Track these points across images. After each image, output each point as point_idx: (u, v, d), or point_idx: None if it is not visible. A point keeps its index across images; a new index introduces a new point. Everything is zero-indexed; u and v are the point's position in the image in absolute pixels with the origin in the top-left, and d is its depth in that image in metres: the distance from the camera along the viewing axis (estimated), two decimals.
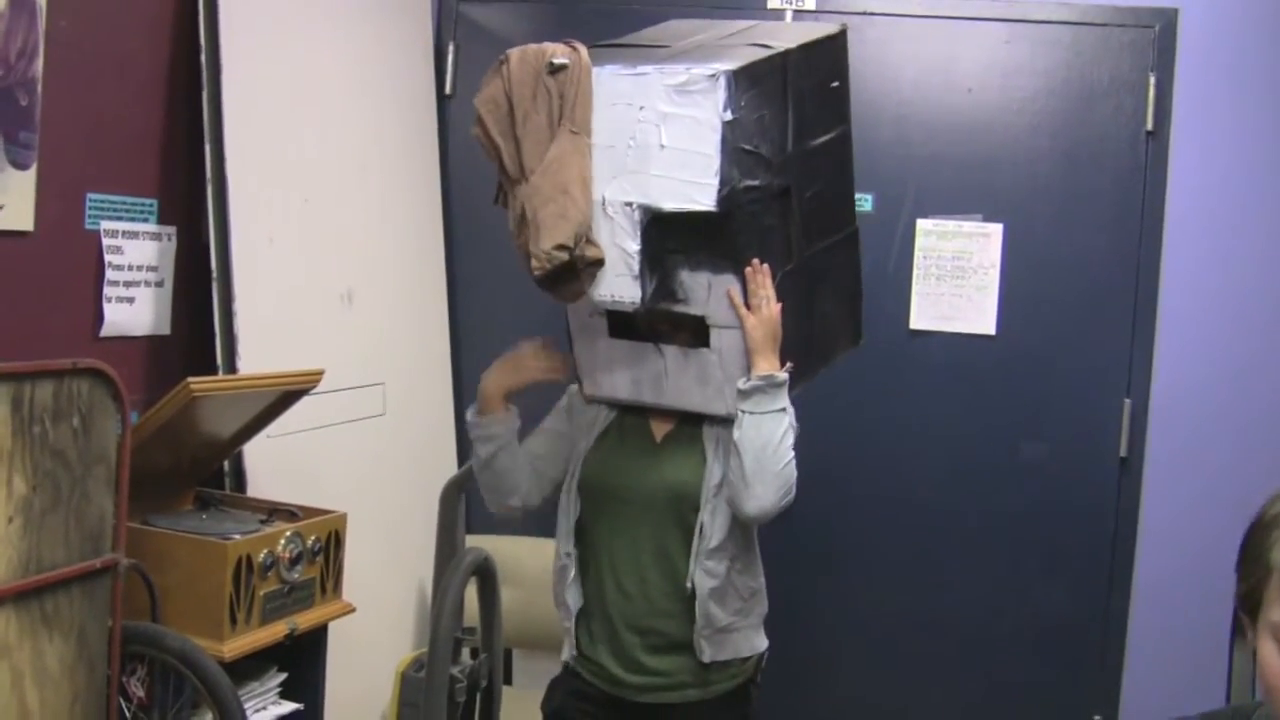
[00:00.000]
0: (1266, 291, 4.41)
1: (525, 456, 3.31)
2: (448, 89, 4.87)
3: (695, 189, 2.84)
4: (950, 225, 4.57)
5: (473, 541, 3.42)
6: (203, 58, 3.56)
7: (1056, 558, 4.60)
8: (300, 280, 3.89)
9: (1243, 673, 3.05)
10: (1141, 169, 4.49)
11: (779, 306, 2.98)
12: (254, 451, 3.62)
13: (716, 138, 2.83)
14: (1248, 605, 1.72)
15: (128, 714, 3.02)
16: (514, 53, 3.07)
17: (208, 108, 3.54)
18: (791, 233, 3.09)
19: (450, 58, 4.87)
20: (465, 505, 3.57)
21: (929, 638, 4.69)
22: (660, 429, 3.21)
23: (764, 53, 2.99)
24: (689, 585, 3.08)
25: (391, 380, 4.33)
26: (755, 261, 2.94)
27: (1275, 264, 4.41)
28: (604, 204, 2.93)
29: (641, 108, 2.91)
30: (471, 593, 3.23)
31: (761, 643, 3.26)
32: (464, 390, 4.86)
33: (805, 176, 3.12)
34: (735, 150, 2.85)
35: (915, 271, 4.59)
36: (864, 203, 4.59)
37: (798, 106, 3.06)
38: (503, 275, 4.68)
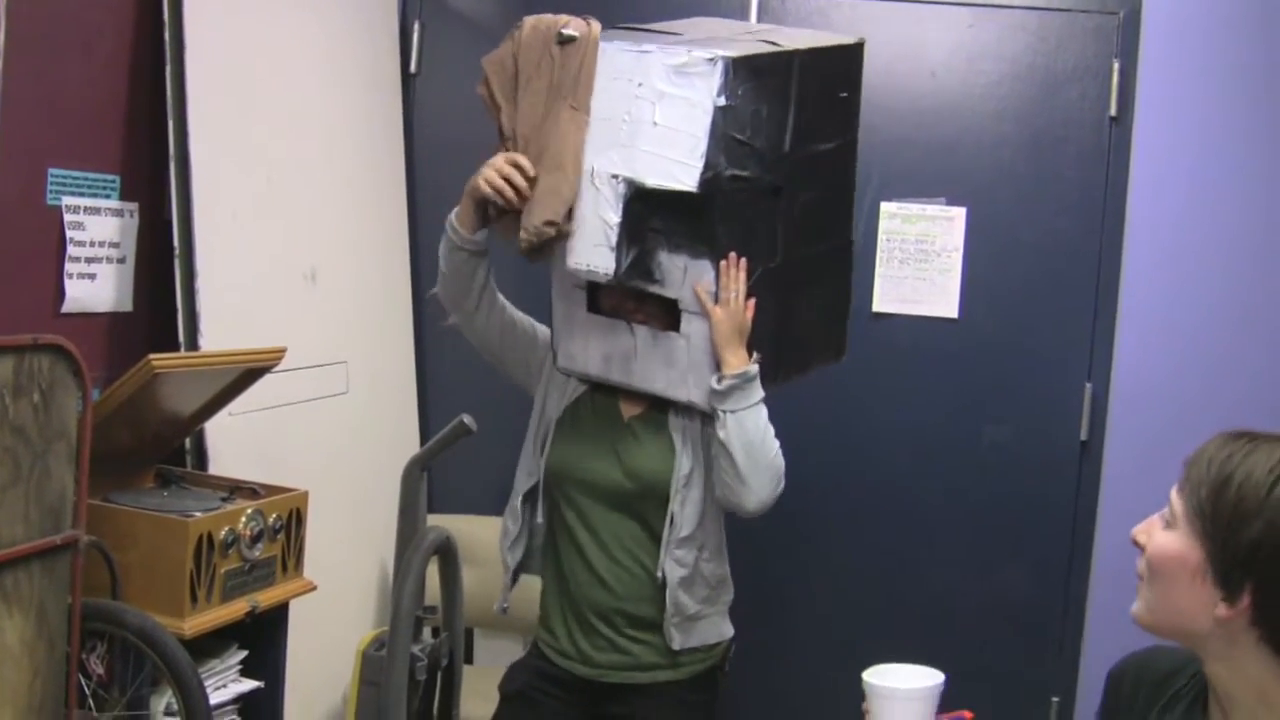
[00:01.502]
0: (1228, 277, 4.44)
1: (491, 295, 3.30)
2: (413, 67, 4.85)
3: (679, 168, 2.86)
4: (914, 208, 4.58)
5: (435, 521, 3.42)
6: (166, 33, 3.54)
7: (1017, 541, 4.62)
8: (263, 258, 3.88)
9: None
10: (1105, 154, 4.51)
11: (751, 302, 2.99)
12: (216, 429, 3.61)
13: (707, 120, 2.85)
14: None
15: (88, 691, 3.02)
16: (529, 19, 3.13)
17: (171, 84, 3.53)
18: (780, 232, 3.11)
19: (415, 36, 4.85)
20: (428, 485, 3.56)
21: (890, 620, 4.71)
22: (629, 409, 3.21)
23: (770, 49, 3.01)
24: (660, 575, 3.09)
25: (354, 359, 4.33)
26: (732, 255, 2.95)
27: (1236, 250, 4.43)
28: (592, 174, 2.96)
29: (640, 84, 2.94)
30: (433, 572, 3.23)
31: (728, 630, 3.28)
32: (427, 369, 4.85)
33: (802, 180, 3.13)
34: (725, 137, 2.87)
35: (879, 254, 4.60)
36: None
37: (801, 109, 3.07)
38: None
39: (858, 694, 4.70)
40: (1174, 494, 1.85)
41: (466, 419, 3.13)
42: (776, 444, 3.05)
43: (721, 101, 2.85)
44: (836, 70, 3.27)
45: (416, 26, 4.86)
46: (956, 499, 4.64)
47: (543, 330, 3.37)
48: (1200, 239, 4.46)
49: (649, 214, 2.93)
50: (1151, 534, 1.90)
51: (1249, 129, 4.43)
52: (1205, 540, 1.78)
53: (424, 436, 4.72)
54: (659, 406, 3.17)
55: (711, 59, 2.85)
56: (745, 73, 2.90)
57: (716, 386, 2.98)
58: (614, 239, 2.92)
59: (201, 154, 3.55)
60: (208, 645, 3.27)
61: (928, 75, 4.61)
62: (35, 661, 2.76)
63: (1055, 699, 4.60)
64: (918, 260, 4.58)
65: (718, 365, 3.01)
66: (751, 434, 2.99)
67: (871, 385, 4.64)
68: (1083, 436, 4.53)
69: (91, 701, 3.02)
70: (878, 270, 4.60)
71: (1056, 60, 4.52)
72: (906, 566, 4.69)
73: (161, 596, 3.06)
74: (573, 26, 3.07)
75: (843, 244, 3.42)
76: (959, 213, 4.58)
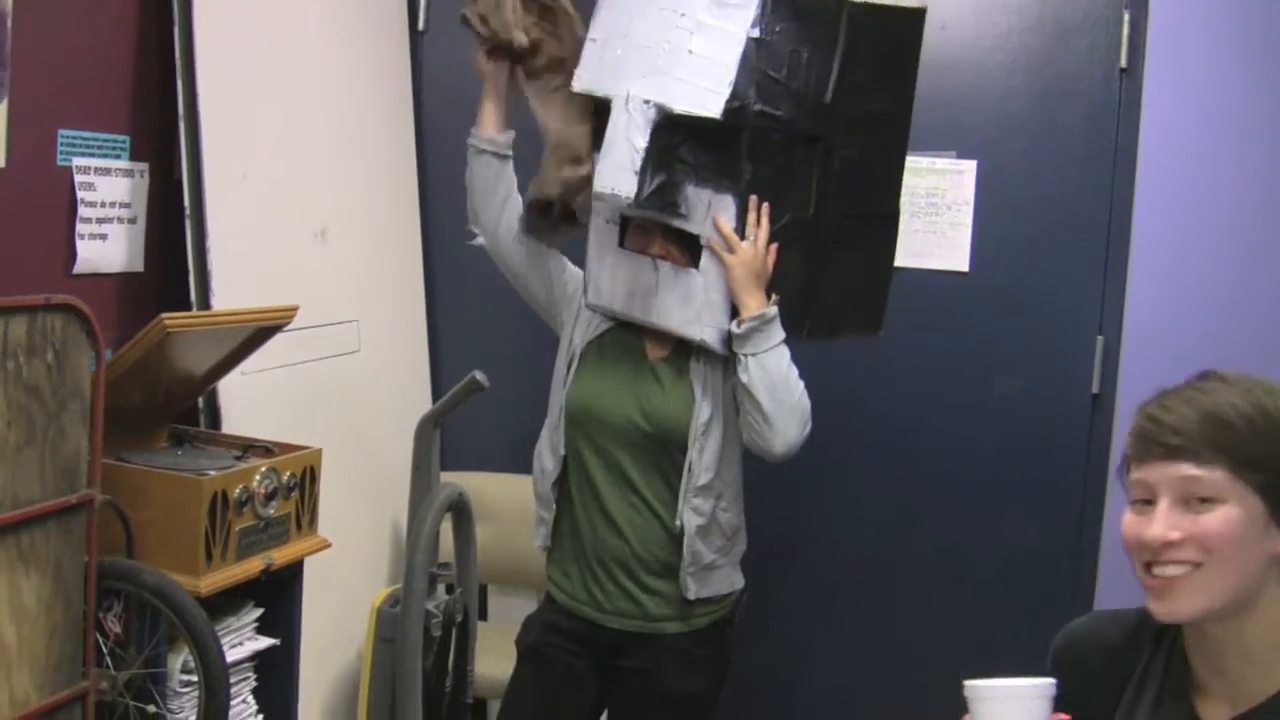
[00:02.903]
0: (1238, 229, 4.42)
1: (514, 208, 3.33)
2: (420, 25, 4.84)
3: (707, 95, 2.88)
4: (924, 162, 4.56)
5: (448, 478, 3.43)
6: None
7: (1029, 494, 4.62)
8: (274, 217, 3.88)
9: None
10: (1115, 106, 4.49)
11: (774, 247, 2.99)
12: (228, 388, 3.63)
13: (739, 51, 2.87)
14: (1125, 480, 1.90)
15: (104, 649, 3.03)
16: None
17: (179, 44, 3.53)
18: (816, 183, 3.10)
19: None
20: (440, 441, 3.57)
21: (901, 573, 4.72)
22: (654, 350, 3.19)
23: None
24: (678, 524, 3.10)
25: (366, 317, 4.33)
26: (754, 198, 2.96)
27: (1248, 201, 4.41)
28: (627, 99, 2.96)
29: (683, 14, 2.96)
30: (447, 529, 3.25)
31: (739, 580, 3.28)
32: (438, 326, 4.86)
33: (845, 135, 3.12)
34: (758, 71, 2.89)
35: None
36: None
37: (848, 61, 3.06)
38: None
39: (864, 643, 4.72)
40: (1189, 472, 1.78)
41: (479, 375, 3.14)
42: (801, 385, 3.05)
43: (755, 34, 2.87)
44: (892, 34, 3.23)
45: None
46: (967, 452, 4.64)
47: (571, 266, 3.37)
48: (1211, 191, 4.44)
49: (678, 142, 2.95)
50: (1195, 523, 1.77)
51: (1259, 80, 4.40)
52: (1263, 488, 1.76)
53: (436, 393, 4.72)
54: (682, 351, 3.16)
55: None
56: (786, 10, 2.91)
57: (736, 330, 2.98)
58: (639, 163, 2.92)
59: (211, 114, 3.55)
60: (223, 603, 3.30)
61: (938, 28, 4.56)
62: (52, 621, 2.78)
63: None
64: (928, 214, 4.57)
65: (735, 308, 3.01)
66: (774, 376, 2.99)
67: (882, 339, 4.63)
68: (1094, 389, 4.52)
69: (109, 660, 3.04)
70: None
71: (1066, 11, 4.50)
72: (917, 520, 4.70)
73: (177, 555, 3.08)
74: None
75: (886, 215, 3.40)
76: (969, 166, 4.56)
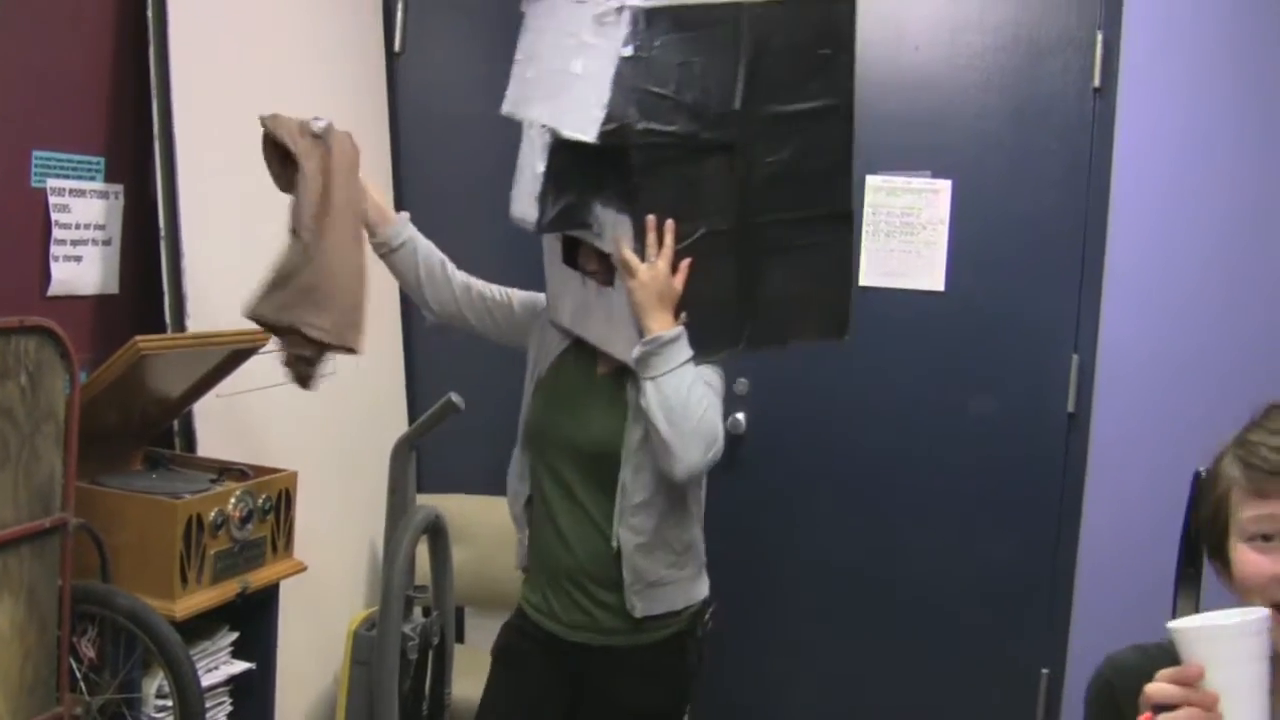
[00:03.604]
0: (1213, 248, 4.44)
1: (452, 277, 3.35)
2: (397, 46, 4.85)
3: (586, 119, 2.81)
4: (899, 181, 4.58)
5: (424, 500, 3.42)
6: (149, 13, 3.53)
7: (1005, 513, 4.63)
8: (250, 239, 3.87)
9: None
10: (1089, 126, 4.51)
11: (685, 264, 2.93)
12: (204, 411, 3.61)
13: (611, 70, 2.79)
14: (1211, 532, 1.82)
15: (79, 674, 3.02)
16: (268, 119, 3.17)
17: (155, 64, 3.52)
18: (734, 194, 3.03)
19: (400, 15, 4.85)
20: (417, 464, 3.57)
21: (876, 592, 4.73)
22: (602, 366, 3.16)
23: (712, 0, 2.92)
24: (614, 543, 3.07)
25: None
26: (651, 218, 2.89)
27: (1222, 220, 4.43)
28: (530, 124, 2.96)
29: (571, 35, 2.91)
30: (423, 551, 3.24)
31: (698, 593, 3.22)
32: (414, 348, 4.86)
33: (764, 139, 3.03)
34: (638, 90, 2.81)
35: (864, 227, 4.60)
36: None
37: (757, 64, 2.97)
38: (453, 233, 4.67)
39: (841, 662, 4.72)
40: None
41: (454, 397, 3.13)
42: (704, 406, 2.94)
43: (628, 52, 2.78)
44: (812, 26, 3.09)
45: (400, 5, 4.85)
46: (943, 471, 4.65)
47: (519, 296, 3.36)
48: (1185, 209, 4.46)
49: (576, 165, 2.90)
50: None
51: (1232, 99, 4.43)
52: None
53: (412, 416, 4.72)
54: (624, 370, 3.09)
55: (620, 7, 2.79)
56: (666, 24, 2.82)
57: (635, 354, 2.92)
58: (538, 189, 2.91)
59: (186, 135, 3.54)
60: (199, 627, 3.28)
61: (911, 49, 4.60)
62: (26, 645, 2.77)
63: (1045, 671, 4.61)
64: (903, 233, 4.59)
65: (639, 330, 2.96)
66: (672, 400, 2.89)
67: (857, 358, 4.64)
68: (1070, 408, 4.54)
69: (83, 684, 3.02)
70: (864, 243, 4.60)
71: (1040, 32, 4.52)
72: (894, 538, 4.70)
73: (152, 578, 3.06)
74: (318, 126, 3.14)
75: (836, 214, 3.23)
76: (944, 185, 4.58)
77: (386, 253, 3.34)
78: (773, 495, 4.72)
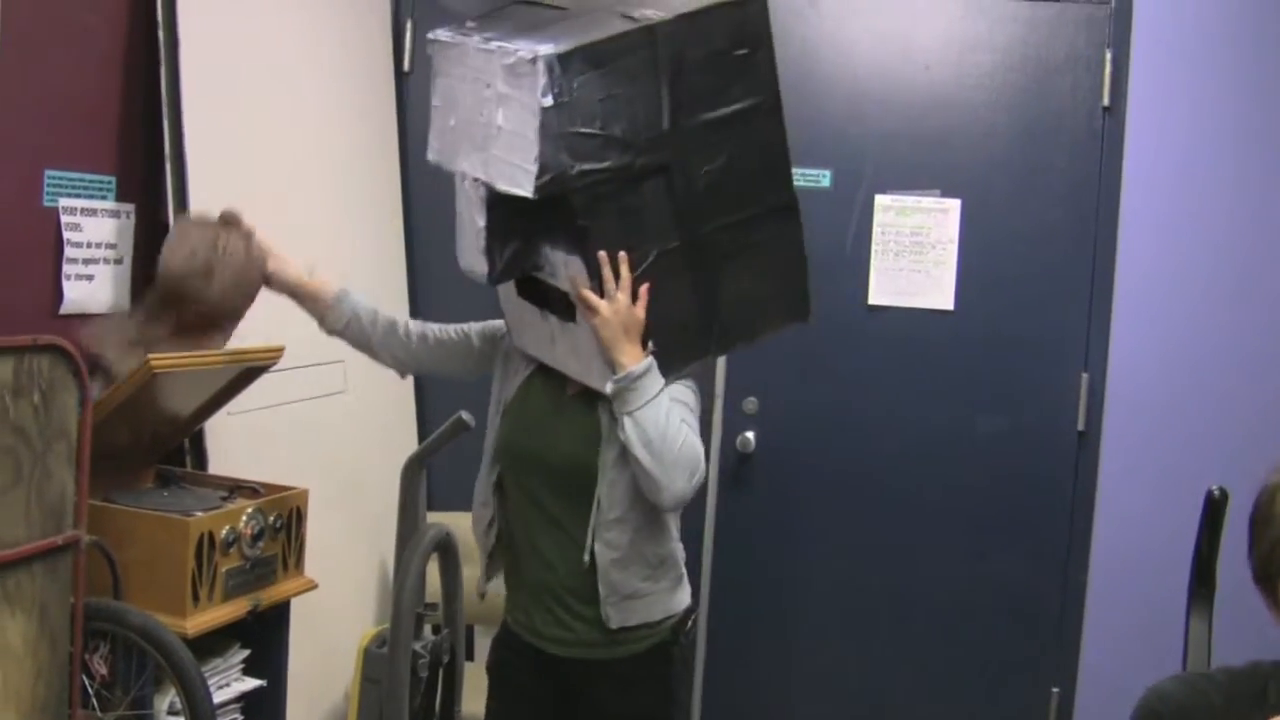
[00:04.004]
0: (1222, 265, 4.45)
1: (400, 329, 3.39)
2: (406, 66, 4.87)
3: (520, 174, 2.76)
4: (908, 201, 4.59)
5: (435, 518, 3.42)
6: (160, 33, 3.55)
7: (1015, 531, 4.63)
8: None
9: (1199, 642, 3.09)
10: (1098, 144, 4.52)
11: (643, 290, 2.91)
12: (215, 429, 3.62)
13: (536, 124, 2.73)
14: (1268, 568, 1.83)
15: (91, 691, 3.02)
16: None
17: (166, 84, 3.54)
18: (675, 211, 2.99)
19: (408, 35, 4.87)
20: (427, 481, 3.57)
21: (888, 610, 4.72)
22: (571, 386, 3.15)
23: (622, 27, 2.86)
24: (586, 558, 3.07)
25: (352, 357, 4.31)
26: (602, 254, 2.86)
27: (1230, 238, 4.44)
28: (462, 177, 2.95)
29: (488, 85, 2.85)
30: (433, 569, 3.24)
31: (678, 603, 3.20)
32: None
33: (697, 151, 2.99)
34: (566, 135, 2.76)
35: (874, 247, 4.61)
36: (822, 179, 4.62)
37: (677, 80, 2.92)
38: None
39: (852, 683, 4.72)
40: None
41: (464, 415, 3.13)
42: (684, 434, 2.94)
43: (548, 102, 2.72)
44: (724, 29, 3.03)
45: (409, 25, 4.87)
46: (954, 490, 4.66)
47: (476, 329, 3.35)
48: (1194, 228, 4.47)
49: (517, 213, 2.87)
50: None
51: (1241, 117, 4.44)
52: None
53: (422, 434, 4.72)
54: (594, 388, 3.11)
55: (532, 58, 2.72)
56: (580, 64, 2.76)
57: (608, 391, 2.92)
58: (483, 243, 2.90)
59: (197, 154, 3.56)
60: (210, 644, 3.28)
61: (921, 68, 4.62)
62: (38, 662, 2.77)
63: (1055, 689, 4.61)
64: (913, 252, 4.59)
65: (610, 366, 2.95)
66: (651, 432, 2.89)
67: (868, 377, 4.66)
68: (1080, 427, 4.54)
69: (95, 702, 3.03)
70: (873, 263, 4.61)
71: (1048, 50, 4.53)
72: (904, 557, 4.70)
73: (163, 596, 3.07)
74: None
75: (780, 207, 3.19)
76: (954, 204, 4.59)
77: (334, 333, 3.42)
78: (783, 513, 4.72)
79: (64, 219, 3.40)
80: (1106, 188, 4.50)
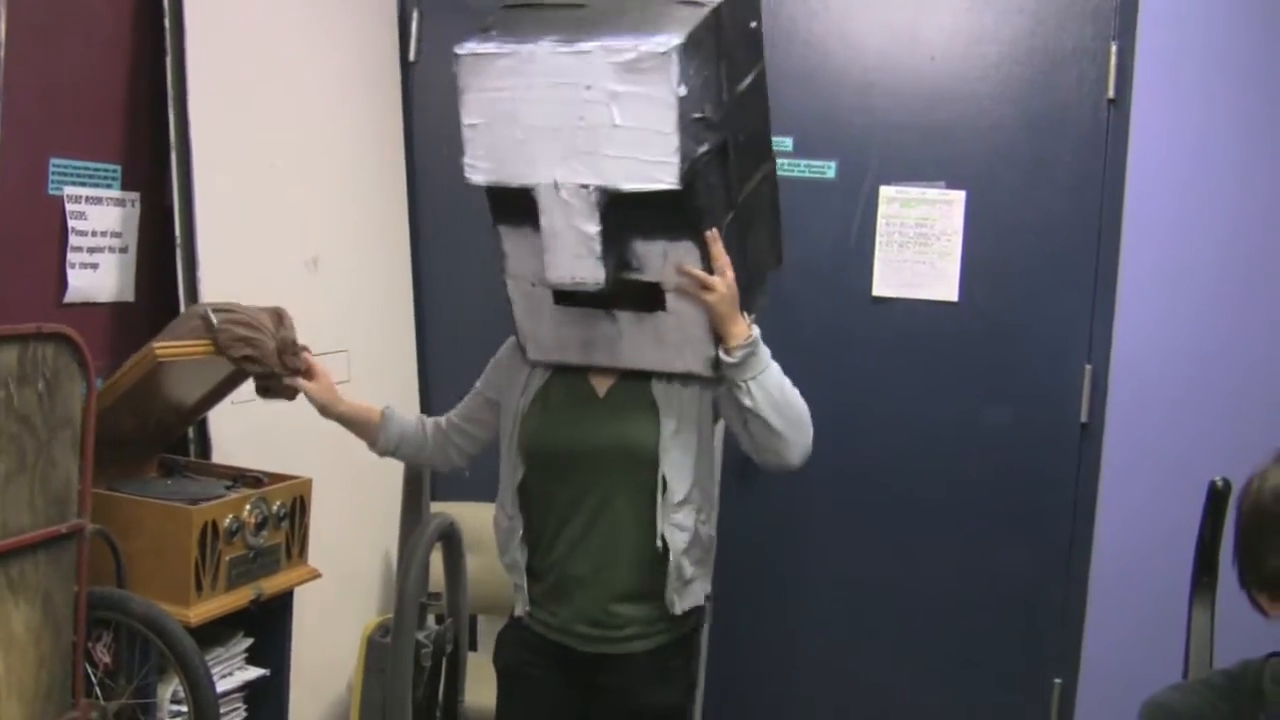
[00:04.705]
0: (1227, 259, 4.44)
1: (443, 430, 3.35)
2: (411, 56, 4.86)
3: (657, 168, 2.80)
4: (913, 192, 4.58)
5: (438, 508, 3.43)
6: (166, 21, 3.55)
7: (1018, 524, 4.63)
8: (265, 246, 3.89)
9: (1202, 633, 3.09)
10: (1103, 136, 4.51)
11: (727, 261, 2.96)
12: (219, 418, 3.62)
13: (674, 115, 2.77)
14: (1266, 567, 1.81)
15: (94, 679, 3.03)
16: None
17: (171, 72, 3.54)
18: (731, 183, 3.07)
19: (414, 24, 4.86)
20: (431, 472, 3.58)
21: (891, 602, 4.72)
22: (602, 384, 3.17)
23: (699, 12, 2.91)
24: (659, 543, 3.08)
25: (356, 347, 4.33)
26: (713, 231, 2.93)
27: (1235, 232, 4.43)
28: (556, 187, 2.88)
29: (588, 87, 2.83)
30: (437, 559, 3.24)
31: (708, 588, 3.26)
32: (428, 356, 4.87)
33: (738, 124, 3.08)
34: (688, 121, 2.81)
35: (878, 238, 4.60)
36: (827, 170, 4.61)
37: (728, 58, 3.00)
38: (466, 243, 4.69)
39: (854, 672, 4.72)
40: None
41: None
42: (797, 393, 3.05)
43: (683, 92, 2.77)
44: (748, 4, 3.18)
45: (415, 14, 4.87)
46: (957, 482, 4.65)
47: (480, 386, 3.34)
48: (1199, 221, 4.46)
49: (625, 215, 2.88)
50: None
51: (1246, 110, 4.43)
52: None
53: None
54: (633, 376, 3.14)
55: (664, 51, 2.75)
56: (692, 51, 2.81)
57: (731, 359, 2.96)
58: (598, 249, 2.88)
59: (202, 143, 3.56)
60: (213, 633, 3.29)
61: (927, 59, 4.61)
62: (41, 650, 2.78)
63: (1058, 680, 4.61)
64: (917, 244, 4.59)
65: (719, 337, 2.99)
66: (775, 395, 2.99)
67: (872, 369, 4.65)
68: (1083, 418, 4.54)
69: (98, 690, 3.04)
70: (877, 254, 4.60)
71: (1054, 43, 4.53)
72: (907, 549, 4.70)
73: (167, 584, 3.08)
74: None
75: (771, 168, 3.36)
76: (958, 196, 4.58)
77: (386, 454, 3.42)
78: (785, 505, 4.72)
79: (69, 207, 3.41)
80: (1111, 180, 4.49)
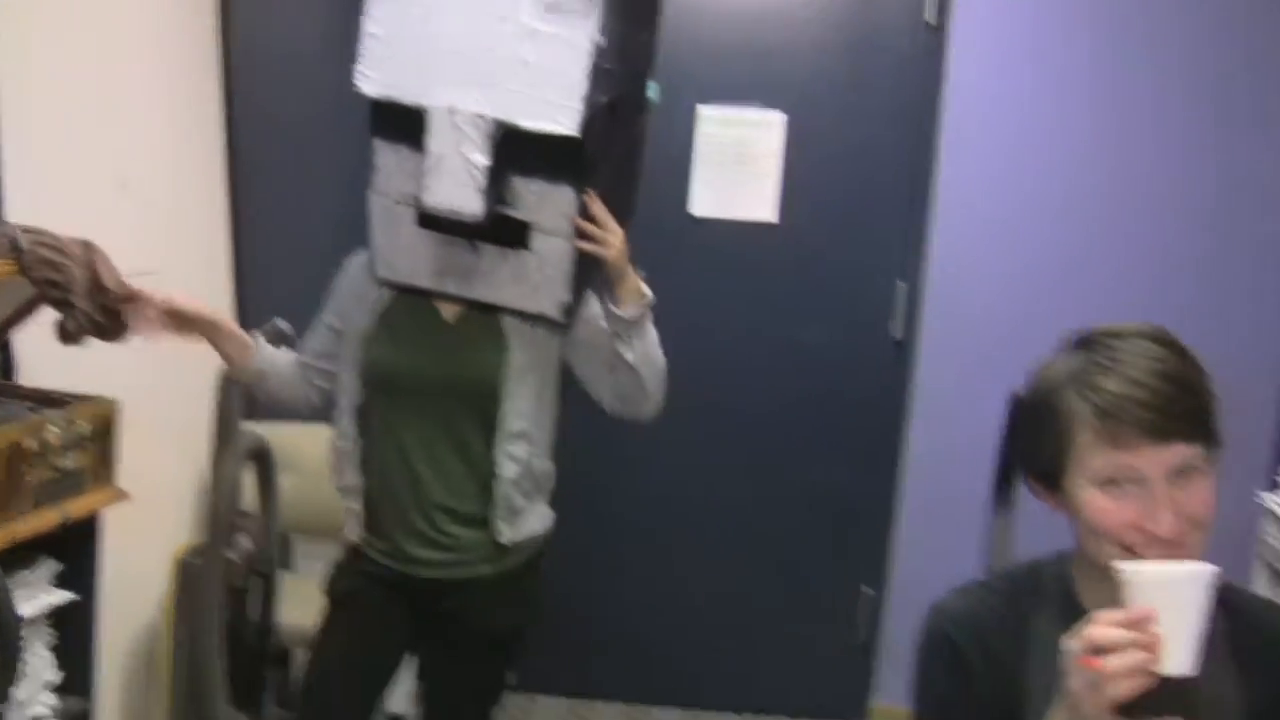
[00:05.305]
0: (1039, 180, 4.54)
1: (299, 367, 3.30)
2: None
3: (560, 111, 2.79)
4: (732, 113, 4.61)
5: (251, 429, 3.40)
6: None
7: (835, 439, 4.71)
8: (72, 166, 3.79)
9: (1002, 539, 3.17)
10: (921, 59, 4.57)
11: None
12: (24, 339, 3.54)
13: (587, 62, 2.78)
14: (1049, 465, 1.83)
15: None
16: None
17: None
18: (615, 137, 3.07)
19: None
20: (243, 391, 3.54)
21: (708, 520, 4.79)
22: (449, 310, 3.18)
23: None
24: (495, 471, 3.09)
25: (169, 267, 4.24)
26: (590, 193, 2.93)
27: (1049, 153, 4.53)
28: (451, 112, 2.85)
29: (503, 19, 2.83)
30: (250, 481, 3.22)
31: (550, 516, 3.31)
32: (244, 277, 4.80)
33: (626, 75, 3.07)
34: (600, 71, 2.81)
35: (695, 158, 4.62)
36: (649, 90, 4.62)
37: (635, 13, 3.02)
38: (288, 158, 4.61)
39: (669, 588, 4.76)
40: (1184, 453, 1.71)
41: (280, 323, 3.11)
42: (660, 349, 3.14)
43: (602, 41, 2.79)
44: None
45: None
46: (776, 400, 4.72)
47: (328, 319, 3.30)
48: (1015, 143, 4.55)
49: (516, 152, 2.87)
50: (1185, 501, 1.72)
51: (1064, 38, 4.51)
52: (1217, 440, 1.74)
53: None
54: (481, 306, 3.15)
55: None
56: (616, 4, 2.83)
57: (626, 315, 3.03)
58: (482, 181, 2.85)
59: (3, 62, 3.46)
60: (22, 557, 3.23)
61: None
62: None
63: (868, 590, 4.72)
64: (736, 164, 4.62)
65: (614, 292, 3.04)
66: (650, 351, 3.09)
67: (690, 288, 4.68)
68: (897, 335, 4.62)
69: None
70: (694, 173, 4.62)
71: None
72: (723, 463, 4.77)
73: None
74: None
75: (643, 123, 3.35)
76: (777, 118, 4.61)
77: (250, 376, 3.33)
78: (605, 422, 4.74)
79: None
80: (928, 103, 4.56)
